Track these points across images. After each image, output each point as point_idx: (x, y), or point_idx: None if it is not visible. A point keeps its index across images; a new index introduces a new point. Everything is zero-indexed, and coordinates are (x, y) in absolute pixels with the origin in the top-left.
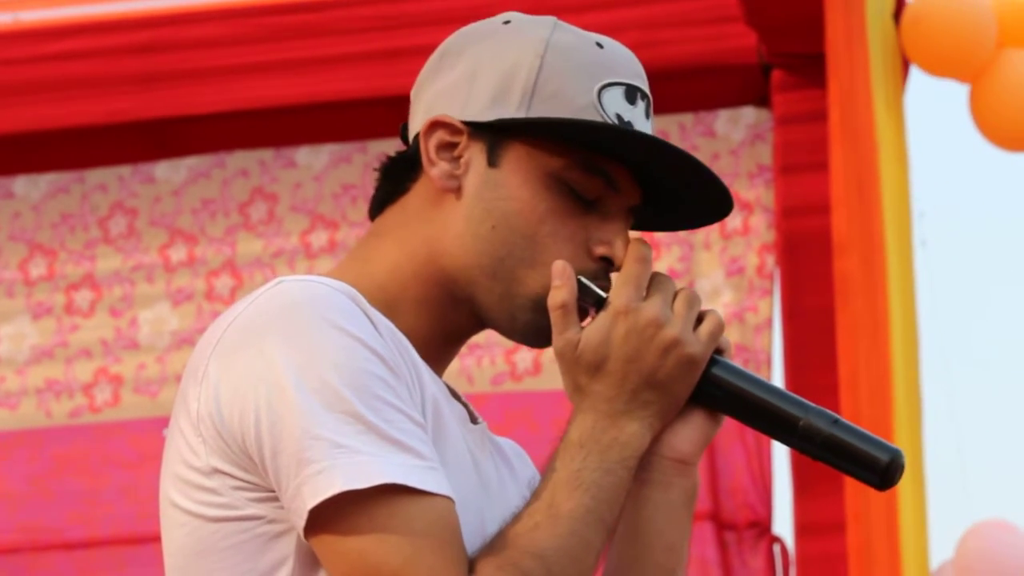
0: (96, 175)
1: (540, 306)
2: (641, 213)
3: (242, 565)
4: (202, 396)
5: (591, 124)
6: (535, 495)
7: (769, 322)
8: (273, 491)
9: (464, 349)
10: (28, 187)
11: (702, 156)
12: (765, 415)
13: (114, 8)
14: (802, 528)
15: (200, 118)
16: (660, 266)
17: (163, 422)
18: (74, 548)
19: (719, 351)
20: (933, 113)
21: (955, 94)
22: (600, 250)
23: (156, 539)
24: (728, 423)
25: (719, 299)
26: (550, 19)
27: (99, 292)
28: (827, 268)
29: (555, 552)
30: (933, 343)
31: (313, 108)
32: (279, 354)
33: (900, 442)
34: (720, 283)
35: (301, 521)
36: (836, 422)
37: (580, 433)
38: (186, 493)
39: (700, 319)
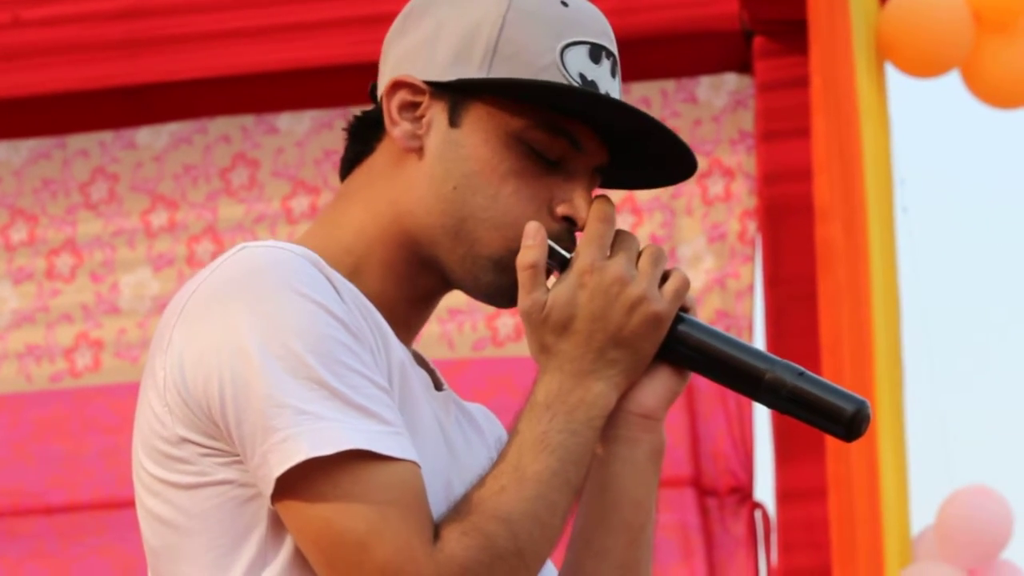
0: (77, 140)
1: (502, 266)
2: (609, 171)
3: (216, 529)
4: (167, 365)
5: (550, 85)
6: (501, 457)
7: (751, 288)
8: (240, 456)
9: (445, 314)
10: (9, 152)
11: (684, 122)
12: (730, 370)
13: None
14: (783, 494)
15: (182, 84)
16: (642, 232)
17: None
18: (55, 512)
19: (685, 308)
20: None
21: None
22: (562, 209)
23: (136, 503)
24: (710, 389)
25: (701, 265)
26: None
27: (80, 257)
28: (809, 234)
29: (520, 515)
30: (914, 309)
31: (295, 74)
32: (242, 321)
33: (882, 408)
34: (702, 249)
35: (268, 489)
36: (801, 375)
37: (546, 394)
38: (157, 461)
39: (665, 277)
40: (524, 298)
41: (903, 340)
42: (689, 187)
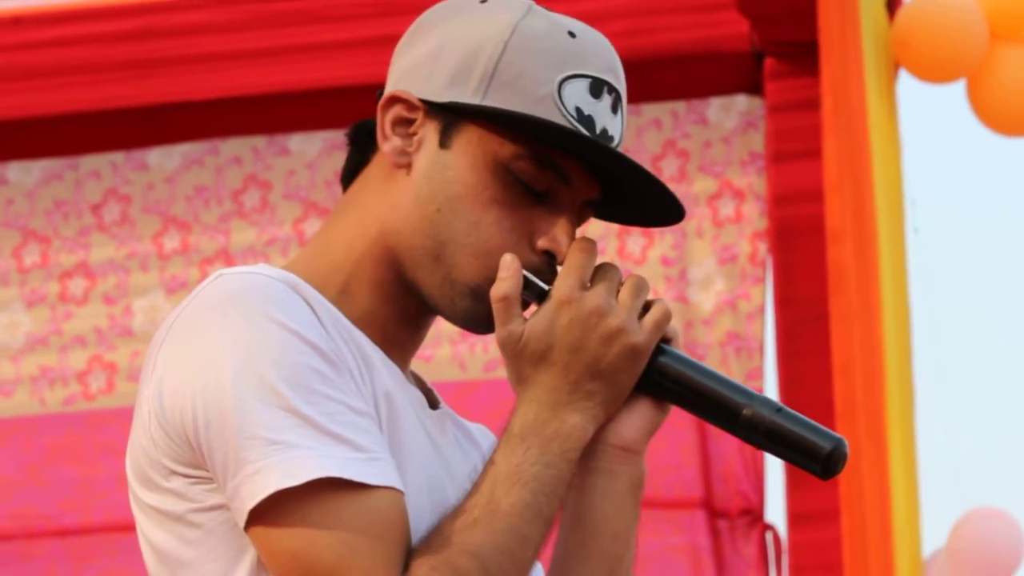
0: (89, 161)
1: (478, 294)
2: (602, 205)
3: (212, 552)
4: (151, 396)
5: (536, 120)
6: (475, 488)
7: (761, 310)
8: None
9: (456, 336)
10: (21, 173)
11: (694, 143)
12: (709, 404)
13: None
14: (795, 516)
15: (193, 104)
16: (653, 254)
17: None
18: (68, 535)
19: (666, 340)
20: (925, 100)
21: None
22: (542, 243)
23: None
24: None
25: (712, 287)
26: (527, 2)
27: (93, 280)
28: (819, 256)
29: (491, 549)
30: (925, 331)
31: (307, 95)
32: (216, 351)
33: (893, 429)
34: (712, 271)
35: (242, 522)
36: (779, 411)
37: (522, 425)
38: (151, 490)
39: (647, 308)
40: (500, 329)
41: (914, 362)
42: (700, 209)
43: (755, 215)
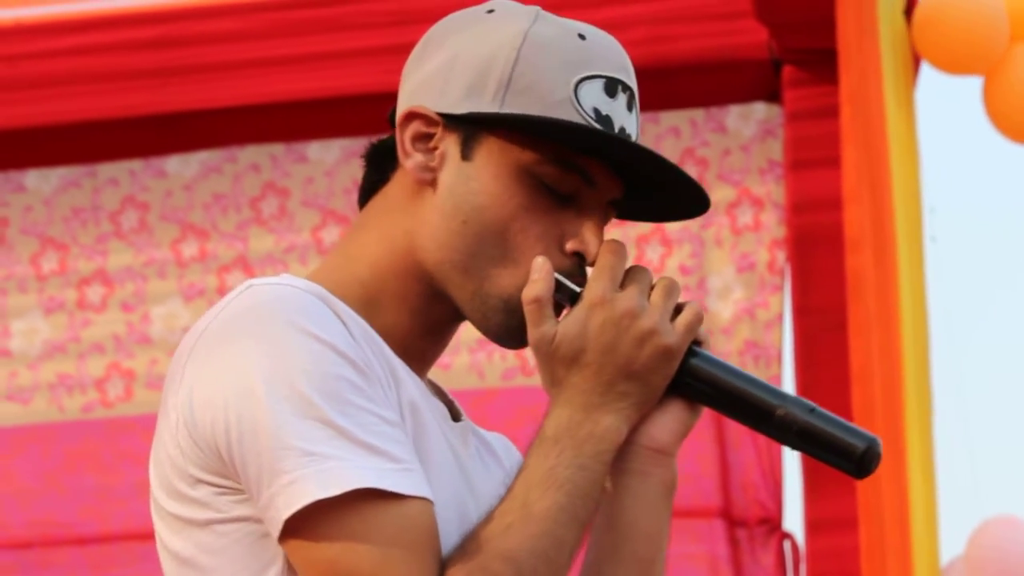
0: (107, 169)
1: (511, 307)
2: (625, 203)
3: (234, 565)
4: (179, 405)
5: (560, 123)
6: (509, 493)
7: (780, 318)
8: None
9: (475, 344)
10: (39, 181)
11: (713, 151)
12: (742, 405)
13: (126, 3)
14: (812, 524)
15: (211, 112)
16: (671, 263)
17: None
18: (87, 543)
19: (698, 342)
20: (944, 109)
21: (966, 89)
22: (571, 245)
23: None
24: (736, 423)
25: (730, 295)
26: (533, 9)
27: (111, 287)
28: (838, 264)
29: (527, 554)
30: (943, 339)
31: (324, 103)
32: (248, 362)
33: (911, 438)
34: (731, 279)
35: (276, 531)
36: (813, 411)
37: (555, 428)
38: (175, 500)
39: (679, 310)
40: (532, 332)
41: (932, 370)
42: (718, 217)
43: (773, 223)
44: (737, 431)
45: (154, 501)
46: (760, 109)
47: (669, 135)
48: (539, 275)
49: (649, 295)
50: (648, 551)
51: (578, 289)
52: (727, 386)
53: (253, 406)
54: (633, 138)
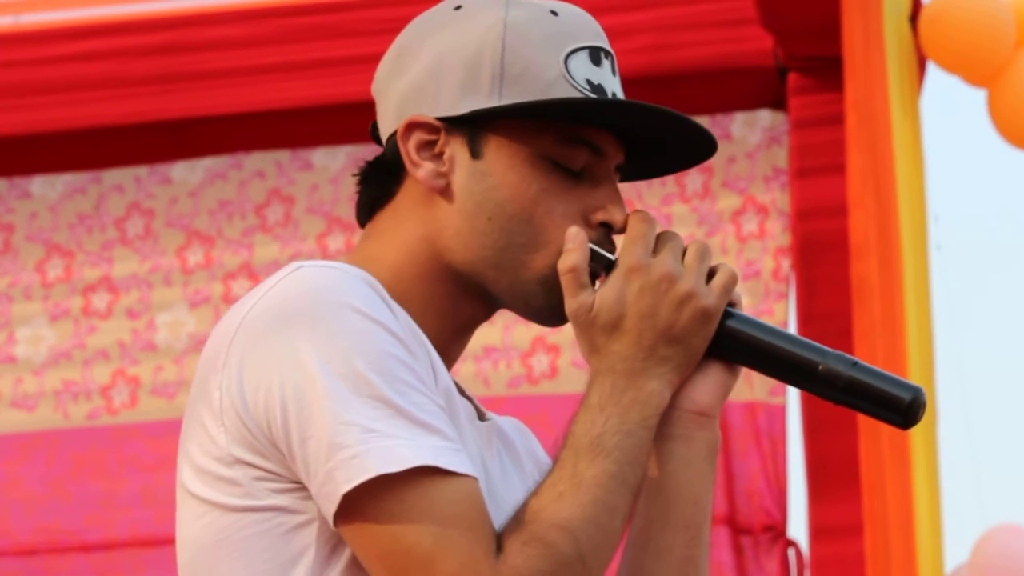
0: (113, 176)
1: (549, 286)
2: (626, 166)
3: (261, 555)
4: (224, 385)
5: (568, 101)
6: (557, 463)
7: (785, 325)
8: (295, 482)
9: (480, 352)
10: (45, 187)
11: (718, 159)
12: (783, 363)
13: (131, 9)
14: (817, 531)
15: (217, 119)
16: None
17: (181, 425)
18: (92, 550)
19: (732, 304)
20: (949, 117)
21: (971, 98)
22: (598, 216)
23: (174, 541)
24: (744, 427)
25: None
26: None
27: (116, 294)
28: (842, 271)
29: (581, 521)
30: (948, 347)
31: (330, 110)
32: (302, 341)
33: (915, 445)
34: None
35: (332, 506)
36: (856, 364)
37: (599, 396)
38: (206, 483)
39: (712, 273)
40: (570, 301)
41: (936, 378)
42: (723, 225)
43: (778, 231)
44: (742, 438)
45: (181, 486)
46: (765, 116)
47: None
48: (573, 244)
49: (682, 259)
50: (696, 515)
51: (613, 257)
52: (767, 345)
53: (310, 383)
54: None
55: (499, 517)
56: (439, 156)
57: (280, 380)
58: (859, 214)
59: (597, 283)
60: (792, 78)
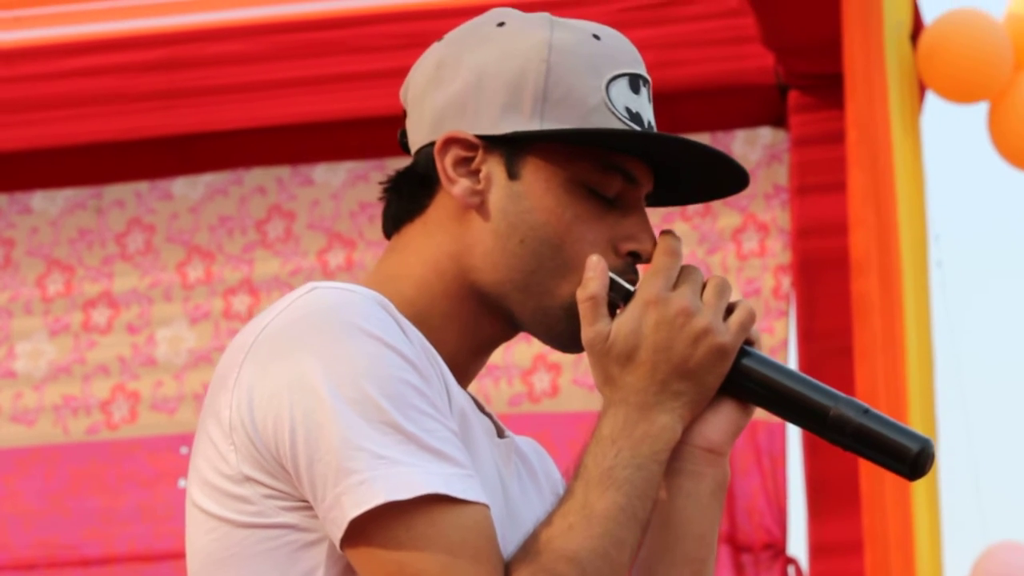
0: (113, 191)
1: (573, 313)
2: (653, 193)
3: (271, 572)
4: (234, 403)
5: (614, 133)
6: (568, 493)
7: (785, 343)
8: (304, 500)
9: (482, 370)
10: (45, 203)
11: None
12: (795, 406)
13: (133, 25)
14: (816, 549)
15: (217, 135)
16: None
17: (180, 440)
18: (90, 565)
19: (749, 342)
20: (949, 134)
21: (971, 116)
22: (627, 246)
23: (173, 556)
24: (744, 446)
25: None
26: (544, 16)
27: (116, 309)
28: (842, 289)
29: (589, 553)
30: (948, 363)
31: (331, 126)
32: (314, 363)
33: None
34: None
35: (340, 532)
36: (867, 412)
37: (612, 428)
38: (215, 499)
39: (730, 309)
40: (587, 329)
41: (937, 394)
42: (724, 243)
43: (778, 248)
44: (742, 457)
45: (190, 502)
46: (766, 134)
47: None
48: (594, 273)
49: (701, 294)
50: (700, 551)
51: (632, 288)
52: (780, 387)
53: (320, 406)
54: (655, 128)
55: (517, 534)
56: (475, 173)
57: (290, 402)
58: (859, 231)
59: (617, 312)
60: (793, 96)
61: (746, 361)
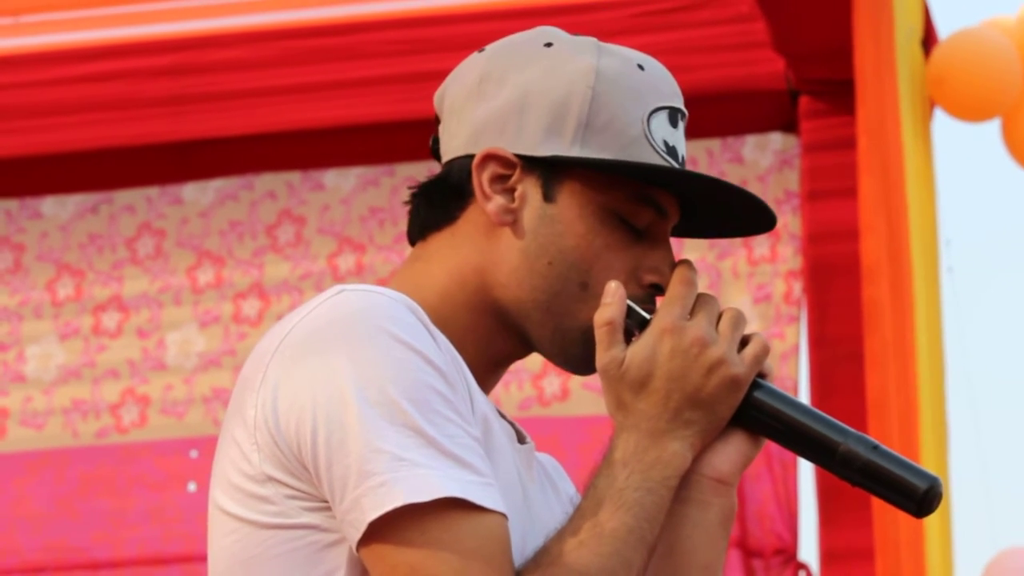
0: (124, 196)
1: (590, 338)
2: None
3: (292, 573)
4: (259, 403)
5: (655, 168)
6: (579, 512)
7: (796, 349)
8: (326, 501)
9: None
10: (56, 208)
11: (730, 182)
12: (805, 440)
13: (143, 31)
14: (828, 555)
15: (228, 140)
16: None
17: (190, 443)
18: (100, 568)
19: (762, 374)
20: (960, 140)
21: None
22: (651, 278)
23: (182, 560)
24: None
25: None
26: (591, 41)
27: (126, 313)
28: (854, 295)
29: (598, 571)
30: (959, 369)
31: (341, 131)
32: (339, 365)
33: (927, 468)
34: (747, 310)
35: (357, 533)
36: (876, 448)
37: (623, 452)
38: (238, 500)
39: (745, 341)
40: (602, 354)
41: (948, 400)
42: (735, 249)
43: (789, 254)
44: (754, 462)
45: (212, 503)
46: (777, 139)
47: (687, 165)
48: (612, 299)
49: (717, 324)
50: None
51: (648, 316)
52: (791, 421)
53: (343, 408)
54: (686, 163)
55: (538, 539)
56: (511, 191)
57: (313, 403)
58: (870, 237)
59: (633, 339)
60: (804, 101)
61: (758, 394)
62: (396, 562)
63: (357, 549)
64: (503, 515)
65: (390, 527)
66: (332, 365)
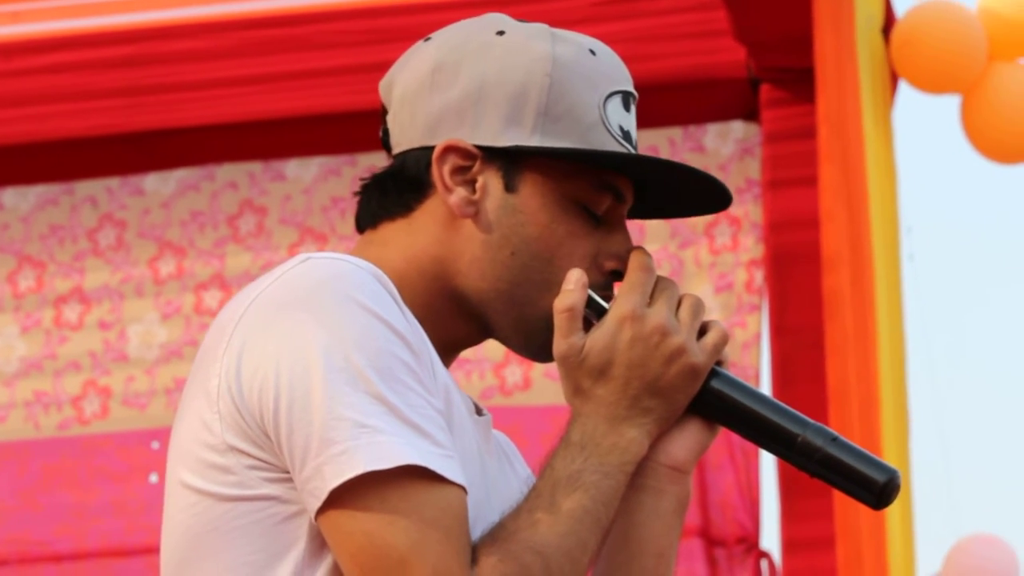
0: (85, 187)
1: (552, 325)
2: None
3: (251, 545)
4: (222, 372)
5: (619, 156)
6: (535, 491)
7: (758, 338)
8: (287, 471)
9: (453, 364)
10: (17, 199)
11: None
12: (763, 430)
13: (102, 21)
14: (789, 543)
15: (189, 130)
16: None
17: (152, 435)
18: (63, 560)
19: (720, 363)
20: (921, 128)
21: (942, 109)
22: (611, 264)
23: (145, 551)
24: (717, 440)
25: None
26: (544, 28)
27: (88, 305)
28: (815, 283)
29: (555, 549)
30: (920, 357)
31: (302, 121)
32: (304, 332)
33: (888, 457)
34: (709, 299)
35: (317, 501)
36: (835, 440)
37: (581, 435)
38: (198, 472)
39: (704, 329)
40: (560, 341)
41: (909, 388)
42: (697, 238)
43: (751, 243)
44: (716, 451)
45: (171, 478)
46: (738, 128)
47: (648, 153)
48: (573, 286)
49: (677, 311)
50: (659, 567)
51: (606, 305)
52: (749, 410)
53: (307, 375)
54: (637, 145)
55: (494, 512)
56: (471, 183)
57: (277, 369)
58: (831, 226)
59: (593, 326)
60: (764, 90)
61: (716, 382)
62: (353, 529)
63: (315, 517)
64: (463, 488)
65: (350, 494)
66: (296, 332)
